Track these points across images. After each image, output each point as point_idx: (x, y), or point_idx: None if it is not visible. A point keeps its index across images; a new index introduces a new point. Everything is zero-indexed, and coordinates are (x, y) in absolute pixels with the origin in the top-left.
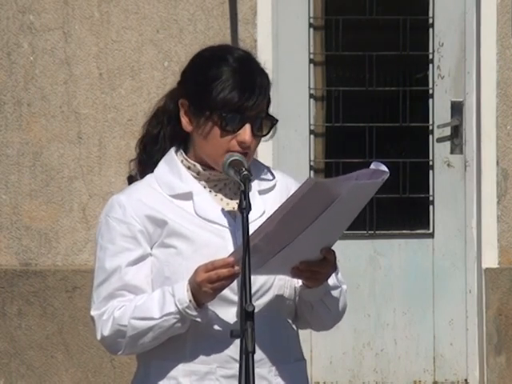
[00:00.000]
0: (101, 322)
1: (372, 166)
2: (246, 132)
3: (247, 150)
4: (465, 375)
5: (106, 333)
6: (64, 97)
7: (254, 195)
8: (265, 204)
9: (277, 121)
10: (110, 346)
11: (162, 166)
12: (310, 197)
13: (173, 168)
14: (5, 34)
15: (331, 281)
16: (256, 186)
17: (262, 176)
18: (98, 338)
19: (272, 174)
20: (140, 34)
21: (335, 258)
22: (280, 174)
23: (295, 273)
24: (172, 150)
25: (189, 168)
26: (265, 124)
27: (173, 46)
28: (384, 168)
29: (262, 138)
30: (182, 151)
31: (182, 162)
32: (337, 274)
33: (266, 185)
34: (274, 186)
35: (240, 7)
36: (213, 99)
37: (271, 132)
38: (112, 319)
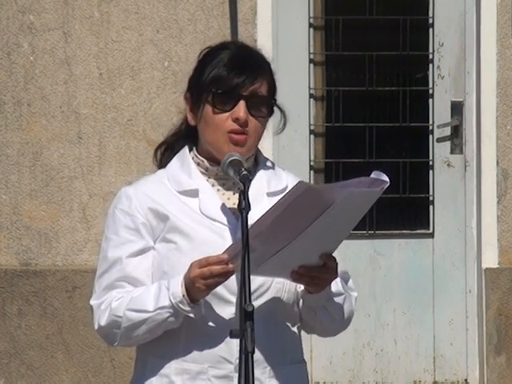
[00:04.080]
0: (99, 311)
1: (373, 175)
2: (239, 108)
3: (246, 130)
4: (465, 375)
5: (103, 323)
6: (64, 97)
7: (261, 196)
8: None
9: (275, 100)
10: (107, 336)
11: (174, 162)
12: (302, 201)
13: (184, 164)
14: (5, 34)
15: (335, 288)
16: (265, 187)
17: (273, 177)
18: (96, 327)
19: (283, 176)
20: (140, 34)
21: (336, 264)
22: (292, 177)
23: (295, 277)
24: (186, 147)
25: (198, 164)
26: (262, 104)
27: (173, 45)
28: (385, 178)
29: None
30: (194, 148)
31: (192, 158)
32: (346, 281)
33: (275, 187)
34: (284, 189)
35: (240, 7)
36: (204, 79)
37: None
38: (109, 309)
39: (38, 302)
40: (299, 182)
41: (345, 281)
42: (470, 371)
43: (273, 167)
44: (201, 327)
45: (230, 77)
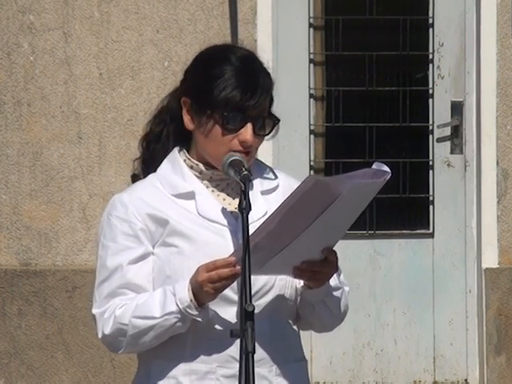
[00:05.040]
0: (102, 320)
1: (374, 166)
2: (247, 131)
3: (249, 150)
4: (465, 375)
5: (107, 331)
6: (64, 97)
7: (256, 195)
8: (267, 204)
9: (279, 120)
10: (111, 344)
11: (165, 165)
12: (310, 195)
13: (176, 167)
14: (5, 34)
15: (333, 282)
16: (258, 186)
17: (265, 176)
18: (100, 336)
19: (275, 175)
20: (140, 34)
21: (337, 258)
22: (283, 175)
23: (297, 273)
24: (175, 149)
25: (191, 167)
26: (267, 123)
27: (173, 45)
28: (386, 168)
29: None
30: (184, 150)
31: (184, 161)
32: (339, 275)
33: (268, 185)
34: (276, 187)
35: (240, 7)
36: (214, 98)
37: (273, 132)
38: (113, 318)
39: (38, 302)
40: (308, 176)
41: (337, 275)
42: (470, 371)
43: (263, 166)
44: (207, 328)
45: (243, 100)
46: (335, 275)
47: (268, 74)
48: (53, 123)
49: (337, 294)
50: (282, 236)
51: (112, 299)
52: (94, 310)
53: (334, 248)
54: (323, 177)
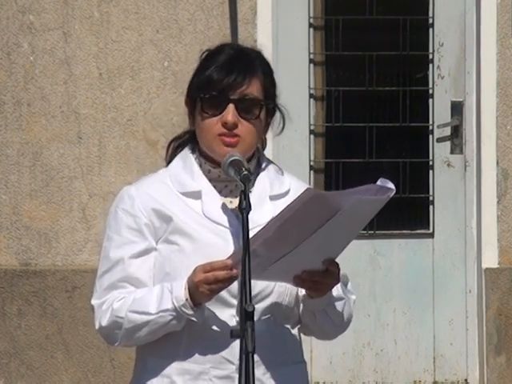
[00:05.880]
0: (100, 311)
1: (378, 183)
2: (228, 112)
3: (236, 133)
4: (465, 375)
5: (104, 323)
6: (64, 97)
7: (264, 200)
8: (275, 210)
9: (270, 102)
10: (107, 336)
11: (176, 162)
12: (309, 207)
13: (186, 165)
14: (5, 34)
15: (335, 292)
16: (268, 190)
17: (276, 180)
18: (96, 327)
19: (288, 180)
20: (140, 34)
21: (339, 270)
22: (295, 180)
23: (297, 281)
24: (187, 148)
25: (200, 166)
26: (257, 108)
27: (173, 45)
28: (390, 185)
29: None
30: (197, 150)
31: (195, 159)
32: (346, 284)
33: (278, 190)
34: (287, 192)
35: (240, 7)
36: (195, 83)
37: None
38: (111, 310)
39: (37, 302)
40: (307, 189)
41: (344, 284)
42: (470, 371)
43: (275, 170)
44: (202, 329)
45: (218, 80)
46: (339, 285)
47: (257, 59)
48: (53, 123)
49: (339, 304)
50: (280, 245)
51: (111, 291)
52: (93, 301)
53: (337, 258)
54: (323, 191)
